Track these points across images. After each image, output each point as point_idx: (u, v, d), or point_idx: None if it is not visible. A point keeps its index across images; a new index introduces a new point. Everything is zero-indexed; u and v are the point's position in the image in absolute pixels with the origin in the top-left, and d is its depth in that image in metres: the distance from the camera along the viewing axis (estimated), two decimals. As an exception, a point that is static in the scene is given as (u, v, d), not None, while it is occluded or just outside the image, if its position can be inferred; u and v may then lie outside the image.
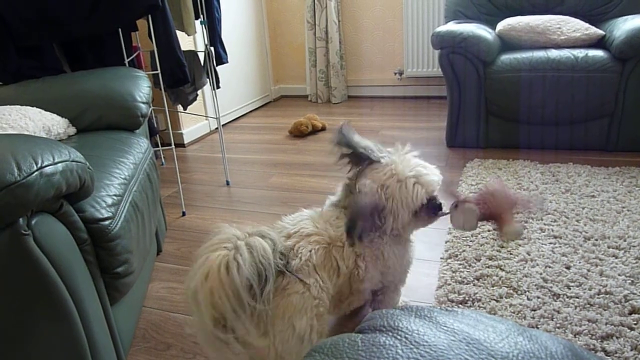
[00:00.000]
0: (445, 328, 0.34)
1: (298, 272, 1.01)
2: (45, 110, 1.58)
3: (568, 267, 1.54)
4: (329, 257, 1.09)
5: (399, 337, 0.34)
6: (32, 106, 1.57)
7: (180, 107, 3.02)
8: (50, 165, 0.91)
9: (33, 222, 0.90)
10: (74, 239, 1.02)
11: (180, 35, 2.43)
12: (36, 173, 0.86)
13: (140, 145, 1.58)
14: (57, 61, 2.08)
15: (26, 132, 1.39)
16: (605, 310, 1.34)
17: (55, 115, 1.57)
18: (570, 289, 1.44)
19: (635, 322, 1.28)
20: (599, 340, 1.24)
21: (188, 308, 0.93)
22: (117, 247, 1.12)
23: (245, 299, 0.89)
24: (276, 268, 0.96)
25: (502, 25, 2.82)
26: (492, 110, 2.66)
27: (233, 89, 3.89)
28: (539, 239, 1.71)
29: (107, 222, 1.10)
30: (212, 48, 2.48)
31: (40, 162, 0.89)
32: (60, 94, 1.67)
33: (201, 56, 2.63)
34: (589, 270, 1.51)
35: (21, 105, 1.57)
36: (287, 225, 1.12)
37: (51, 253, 0.92)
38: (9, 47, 1.89)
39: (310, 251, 1.05)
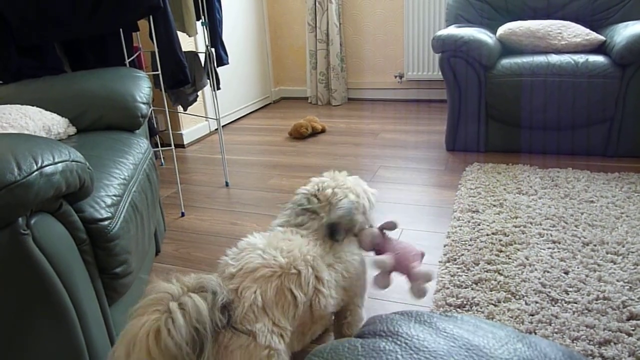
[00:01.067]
0: (445, 334, 0.34)
1: (243, 321, 0.90)
2: (46, 109, 1.57)
3: (566, 272, 1.54)
4: (281, 290, 0.96)
5: (398, 342, 0.34)
6: (33, 105, 1.57)
7: (180, 108, 3.02)
8: (50, 165, 0.91)
9: (32, 221, 0.90)
10: (73, 239, 1.02)
11: (181, 36, 2.44)
12: (36, 173, 0.86)
13: (140, 146, 1.58)
14: (58, 61, 2.08)
15: (26, 132, 1.39)
16: (603, 316, 1.34)
17: (55, 114, 1.56)
18: (568, 294, 1.44)
19: (633, 328, 1.28)
20: (597, 346, 1.24)
21: None
22: (116, 248, 1.12)
23: None
24: (215, 327, 0.84)
25: (502, 29, 2.83)
26: (492, 114, 2.67)
27: (233, 90, 3.89)
28: (537, 244, 1.71)
29: (106, 223, 1.10)
30: (212, 49, 2.48)
31: (40, 161, 0.89)
32: (61, 94, 1.67)
33: (202, 57, 2.63)
34: (587, 276, 1.52)
35: (21, 104, 1.57)
36: (230, 261, 1.00)
37: (50, 253, 0.92)
38: (10, 46, 1.89)
39: (255, 292, 0.93)
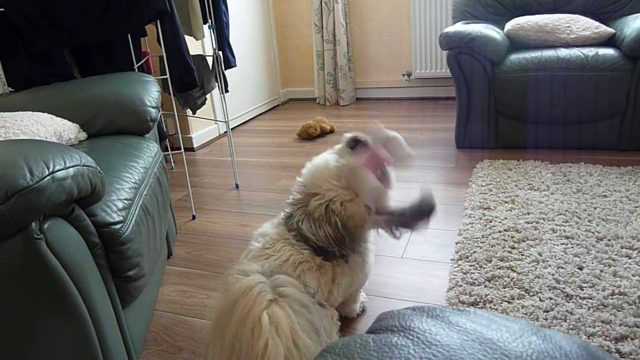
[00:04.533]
0: (457, 328, 0.34)
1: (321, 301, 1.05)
2: (56, 115, 1.59)
3: (581, 268, 1.53)
4: (318, 282, 1.11)
5: (411, 337, 0.33)
6: (44, 112, 1.59)
7: (189, 112, 3.04)
8: (62, 169, 0.91)
9: (45, 226, 0.91)
10: (86, 242, 1.03)
11: (189, 39, 2.45)
12: (48, 178, 0.87)
13: (150, 150, 1.59)
14: (67, 67, 2.10)
15: (38, 138, 1.40)
16: (619, 311, 1.32)
17: (66, 120, 1.58)
18: (583, 290, 1.42)
19: (650, 323, 1.26)
20: (613, 341, 1.22)
21: None
22: (128, 251, 1.13)
23: (318, 339, 0.85)
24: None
25: (510, 24, 2.81)
26: (501, 110, 2.65)
27: (241, 92, 3.91)
28: (550, 240, 1.70)
29: (118, 226, 1.11)
30: (220, 52, 2.49)
31: (52, 166, 0.90)
32: (71, 100, 1.69)
33: (209, 60, 2.64)
34: (602, 271, 1.50)
35: (32, 111, 1.59)
36: (269, 252, 1.10)
37: (63, 257, 0.93)
38: (20, 53, 1.91)
39: (312, 280, 1.08)
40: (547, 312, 1.34)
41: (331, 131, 3.41)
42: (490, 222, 1.86)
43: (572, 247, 1.64)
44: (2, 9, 1.85)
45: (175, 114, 2.25)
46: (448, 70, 2.77)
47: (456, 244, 1.74)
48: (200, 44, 3.26)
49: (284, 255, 1.08)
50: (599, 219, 1.81)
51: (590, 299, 1.38)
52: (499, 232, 1.77)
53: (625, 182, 2.10)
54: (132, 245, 1.14)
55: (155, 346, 1.37)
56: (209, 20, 2.41)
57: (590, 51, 2.45)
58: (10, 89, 1.96)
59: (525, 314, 1.34)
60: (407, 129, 3.30)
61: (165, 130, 2.87)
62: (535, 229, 1.77)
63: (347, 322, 1.41)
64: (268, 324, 0.81)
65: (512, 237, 1.73)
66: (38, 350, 0.95)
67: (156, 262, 1.41)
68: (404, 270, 1.64)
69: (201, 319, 1.46)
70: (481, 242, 1.72)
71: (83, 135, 1.62)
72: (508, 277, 1.50)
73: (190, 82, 2.25)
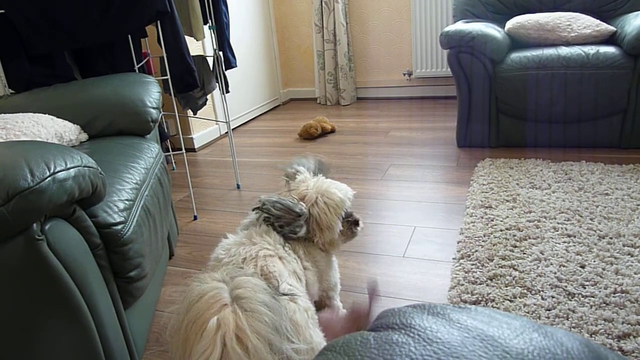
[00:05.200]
0: (458, 325, 0.34)
1: (284, 290, 0.99)
2: (57, 117, 1.59)
3: (583, 266, 1.52)
4: (284, 269, 1.09)
5: (411, 334, 0.33)
6: (44, 113, 1.59)
7: (190, 112, 3.04)
8: (63, 170, 0.91)
9: (46, 227, 0.91)
10: (87, 243, 1.03)
11: (189, 40, 2.45)
12: (49, 179, 0.87)
13: (151, 150, 1.59)
14: (68, 68, 2.11)
15: (39, 139, 1.40)
16: (621, 309, 1.32)
17: (67, 122, 1.58)
18: (585, 288, 1.42)
19: (652, 321, 1.26)
20: (616, 339, 1.22)
21: None
22: (130, 252, 1.13)
23: (283, 340, 0.81)
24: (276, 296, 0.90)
25: (511, 23, 2.81)
26: (502, 109, 2.65)
27: (242, 93, 3.91)
28: (552, 238, 1.69)
29: (119, 227, 1.11)
30: (220, 53, 2.49)
31: (52, 167, 0.90)
32: (72, 101, 1.69)
33: (210, 61, 2.64)
34: (604, 269, 1.49)
35: (33, 112, 1.59)
36: (227, 258, 1.08)
37: (65, 258, 0.93)
38: (21, 55, 1.92)
39: (274, 266, 1.04)
40: (549, 310, 1.34)
41: (332, 131, 3.41)
42: (492, 220, 1.86)
43: (574, 246, 1.64)
44: (3, 11, 1.85)
45: (176, 114, 2.25)
46: (449, 69, 2.76)
47: (458, 243, 1.74)
48: (201, 45, 3.26)
49: (240, 256, 1.05)
50: (601, 217, 1.81)
51: (593, 297, 1.38)
52: (501, 230, 1.77)
53: (627, 180, 2.09)
54: (133, 246, 1.14)
55: (158, 346, 1.38)
56: (210, 21, 2.41)
57: (591, 49, 2.45)
58: (11, 90, 1.97)
59: (528, 313, 1.34)
60: (408, 129, 3.30)
61: (166, 131, 2.87)
62: (537, 228, 1.77)
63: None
64: (214, 328, 0.77)
65: (514, 235, 1.73)
66: (40, 351, 0.95)
67: (158, 262, 1.41)
68: (406, 270, 1.64)
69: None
70: (483, 241, 1.72)
71: (84, 137, 1.63)
72: (510, 276, 1.50)
73: (190, 83, 2.25)
